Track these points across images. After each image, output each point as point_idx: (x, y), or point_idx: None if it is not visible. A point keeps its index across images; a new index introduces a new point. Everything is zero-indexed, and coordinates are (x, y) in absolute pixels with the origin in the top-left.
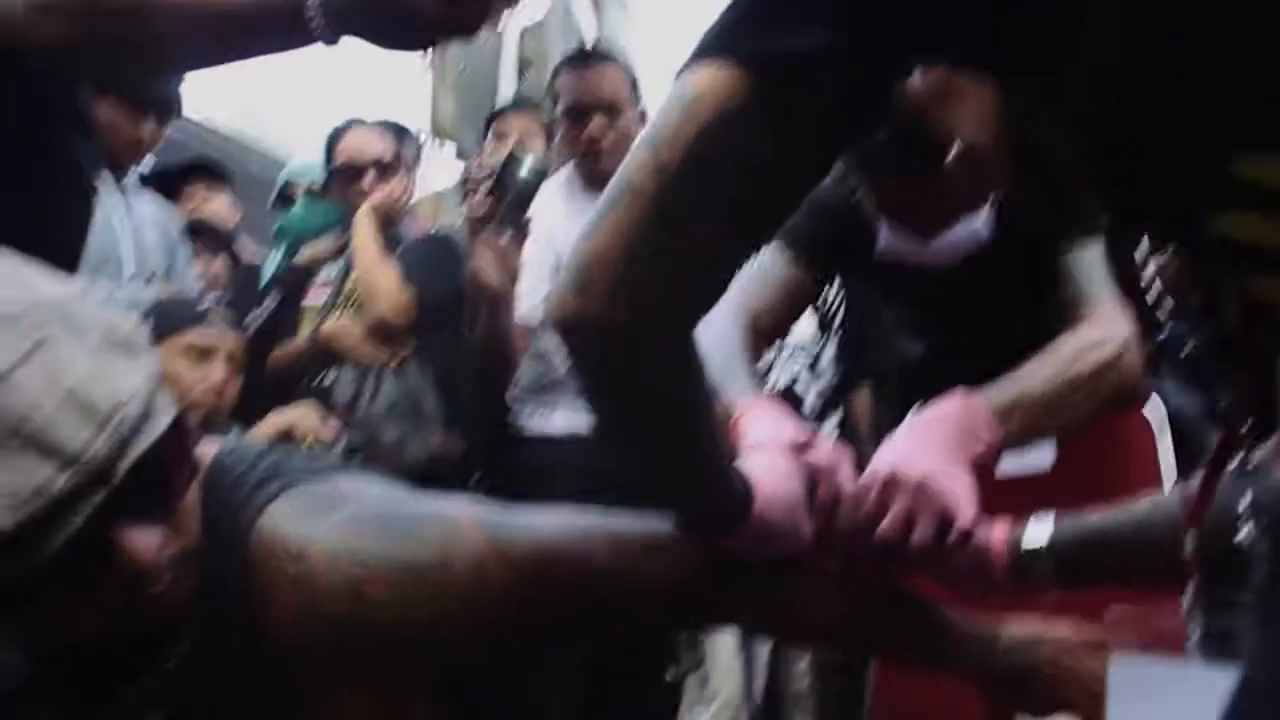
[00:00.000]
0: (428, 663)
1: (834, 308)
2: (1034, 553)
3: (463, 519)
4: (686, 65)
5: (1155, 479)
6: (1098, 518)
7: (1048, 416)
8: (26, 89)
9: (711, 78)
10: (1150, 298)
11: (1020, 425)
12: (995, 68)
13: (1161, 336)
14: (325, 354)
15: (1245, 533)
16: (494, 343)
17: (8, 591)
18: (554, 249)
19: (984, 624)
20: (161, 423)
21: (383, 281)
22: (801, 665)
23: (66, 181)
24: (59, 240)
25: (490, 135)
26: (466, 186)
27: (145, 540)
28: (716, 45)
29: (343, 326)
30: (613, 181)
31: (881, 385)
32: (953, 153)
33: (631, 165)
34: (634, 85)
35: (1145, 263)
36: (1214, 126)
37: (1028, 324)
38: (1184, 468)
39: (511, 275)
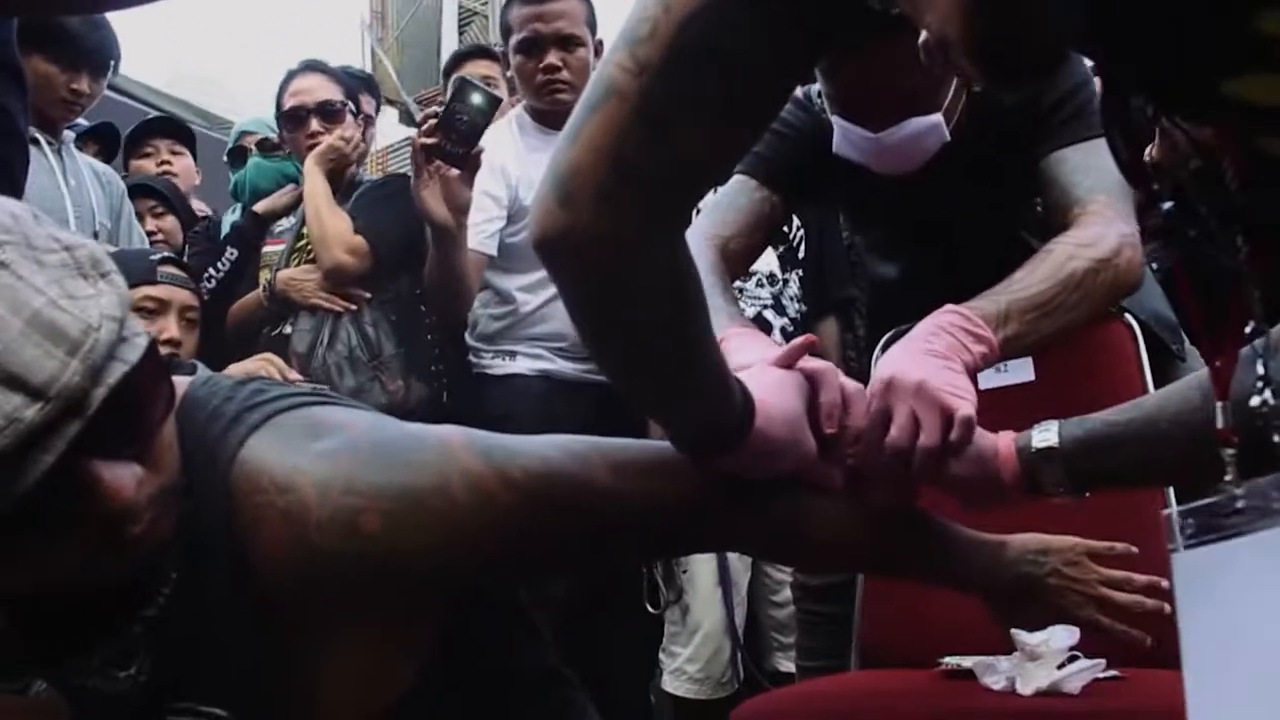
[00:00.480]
0: (426, 599)
1: (796, 242)
2: (1044, 454)
3: (456, 442)
4: None
5: (1140, 386)
6: (1104, 415)
7: (1045, 319)
8: None
9: None
10: (1149, 173)
11: (1017, 330)
12: None
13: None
14: (282, 304)
15: (1259, 401)
16: (445, 278)
17: None
18: (507, 185)
19: (990, 538)
20: (137, 348)
21: (332, 228)
22: (783, 594)
23: (3, 130)
24: None
25: (450, 81)
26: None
27: (123, 477)
28: None
29: (298, 275)
30: (590, 86)
31: (847, 316)
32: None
33: (609, 67)
34: (590, 14)
35: (1142, 136)
36: None
37: (1001, 237)
38: (1159, 378)
39: (460, 209)
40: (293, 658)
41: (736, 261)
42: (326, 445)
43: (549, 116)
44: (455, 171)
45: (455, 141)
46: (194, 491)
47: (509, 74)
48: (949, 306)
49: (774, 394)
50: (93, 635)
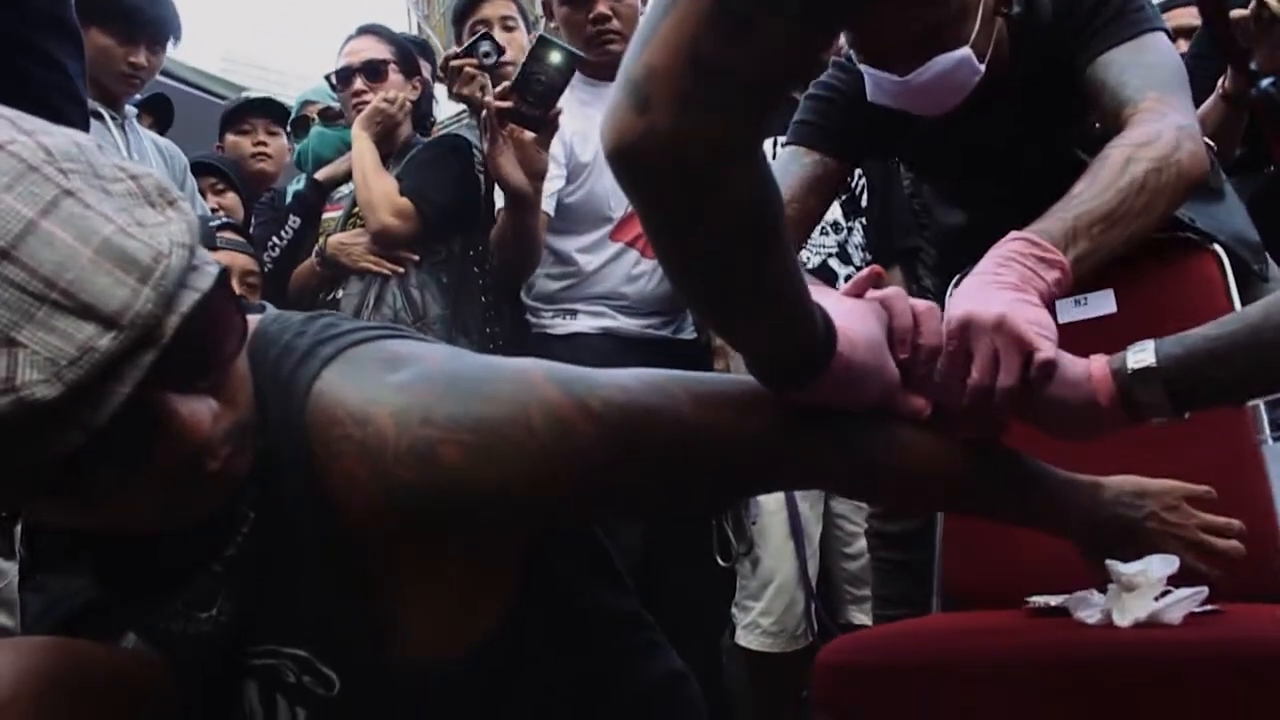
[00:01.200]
0: (507, 534)
1: (859, 190)
2: (1141, 374)
3: (535, 374)
4: None
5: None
6: (1202, 330)
7: (1114, 229)
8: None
9: None
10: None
11: (1087, 246)
12: None
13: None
14: (334, 268)
15: None
16: (520, 244)
17: (57, 477)
18: (562, 142)
19: (1085, 478)
20: (208, 275)
21: (378, 191)
22: (855, 545)
23: (63, 91)
24: None
25: (466, 29)
26: (448, 72)
27: (199, 411)
28: None
29: (347, 239)
30: None
31: (911, 267)
32: None
33: None
34: None
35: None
36: None
37: (1065, 164)
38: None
39: (538, 174)
40: (372, 596)
41: (795, 226)
42: (402, 377)
43: (600, 69)
44: (530, 135)
45: (532, 104)
46: (269, 428)
47: (553, 24)
48: (1014, 234)
49: (854, 320)
50: (174, 576)
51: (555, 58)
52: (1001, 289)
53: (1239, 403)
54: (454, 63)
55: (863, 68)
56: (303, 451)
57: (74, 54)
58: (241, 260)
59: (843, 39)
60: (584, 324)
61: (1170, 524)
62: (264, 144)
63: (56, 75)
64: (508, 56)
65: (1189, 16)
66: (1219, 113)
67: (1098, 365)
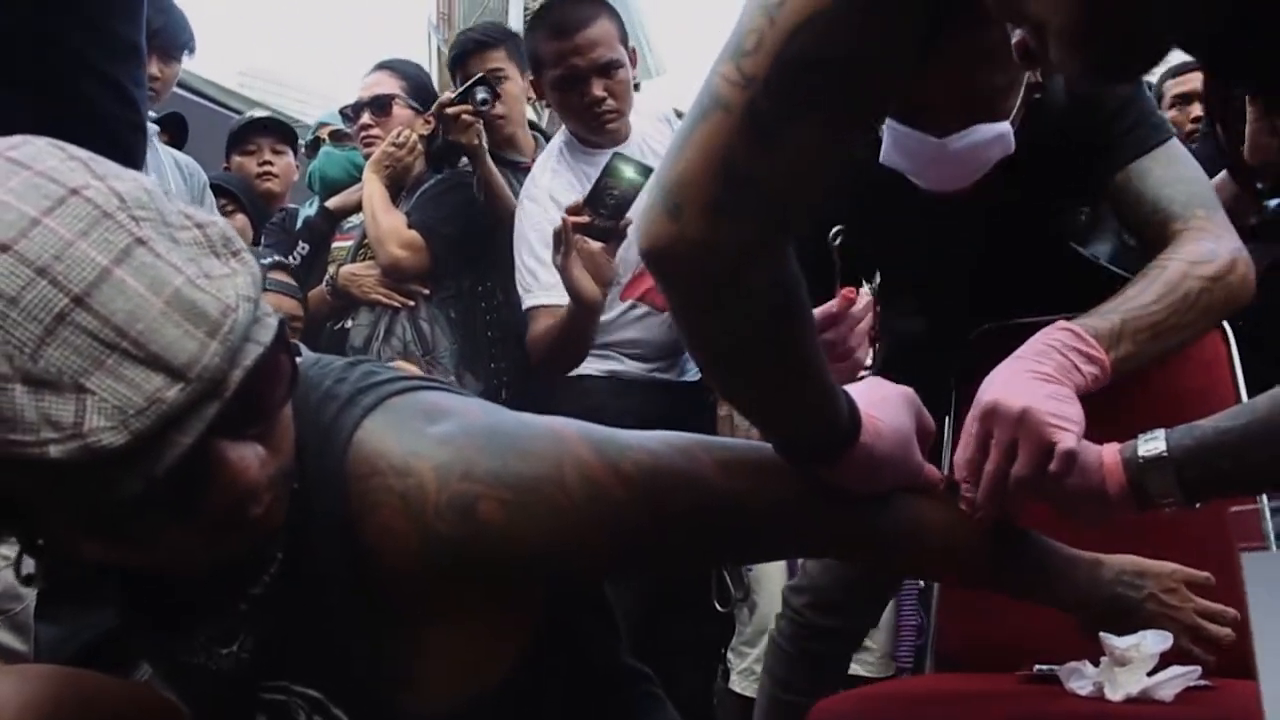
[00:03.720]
0: (531, 588)
1: None
2: (1153, 463)
3: (569, 434)
4: None
5: (1231, 387)
6: (1212, 421)
7: (1158, 339)
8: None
9: None
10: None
11: (1130, 350)
12: None
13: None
14: (344, 298)
15: None
16: (578, 342)
17: (110, 521)
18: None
19: (1087, 555)
20: (269, 328)
21: (387, 226)
22: None
23: (128, 122)
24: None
25: (459, 77)
26: (442, 119)
27: (248, 458)
28: None
29: (359, 270)
30: (696, 98)
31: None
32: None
33: (715, 79)
34: (621, 28)
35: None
36: None
37: (1052, 254)
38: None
39: (607, 283)
40: (393, 641)
41: None
42: (443, 430)
43: (600, 139)
44: (598, 245)
45: (604, 216)
46: (306, 472)
47: (544, 103)
48: (1061, 323)
49: (884, 410)
50: (200, 612)
51: (629, 172)
52: (1035, 379)
53: (1252, 492)
54: (449, 110)
55: (888, 123)
56: (340, 498)
57: (140, 80)
58: (288, 304)
59: None
60: (591, 367)
61: (1168, 606)
62: (270, 163)
63: (125, 108)
64: (500, 110)
65: (1197, 82)
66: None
67: (1109, 452)
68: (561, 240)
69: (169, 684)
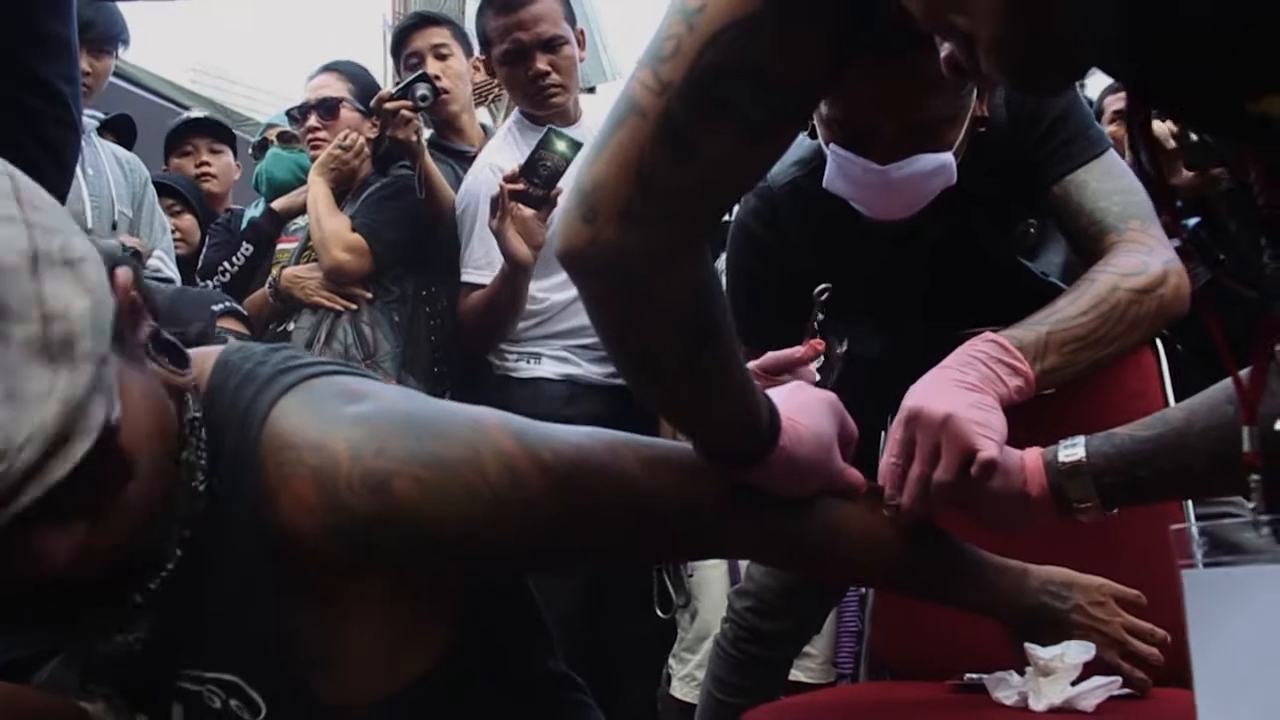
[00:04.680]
0: (447, 576)
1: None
2: (1072, 469)
3: (489, 421)
4: None
5: (1160, 395)
6: (1130, 430)
7: (1086, 351)
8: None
9: None
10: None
11: (1056, 362)
12: None
13: (1194, 226)
14: (287, 300)
15: None
16: (512, 304)
17: None
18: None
19: (1013, 564)
20: (87, 437)
21: (330, 229)
22: None
23: (60, 121)
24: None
25: (402, 61)
26: (381, 114)
27: (54, 547)
28: None
29: (301, 273)
30: (615, 102)
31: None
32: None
33: (633, 84)
34: (567, 7)
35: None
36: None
37: (1002, 270)
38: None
39: (538, 246)
40: (307, 622)
41: None
42: (361, 409)
43: (548, 117)
44: (531, 212)
45: (537, 185)
46: (224, 453)
47: (495, 82)
48: (987, 334)
49: (805, 415)
50: (89, 602)
51: (561, 145)
52: (959, 388)
53: (1168, 499)
54: (388, 105)
55: (831, 148)
56: (255, 474)
57: (71, 76)
58: None
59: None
60: (547, 369)
61: (1095, 619)
62: (207, 164)
63: (53, 105)
64: (444, 83)
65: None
66: None
67: (1031, 456)
68: (497, 205)
69: (81, 672)
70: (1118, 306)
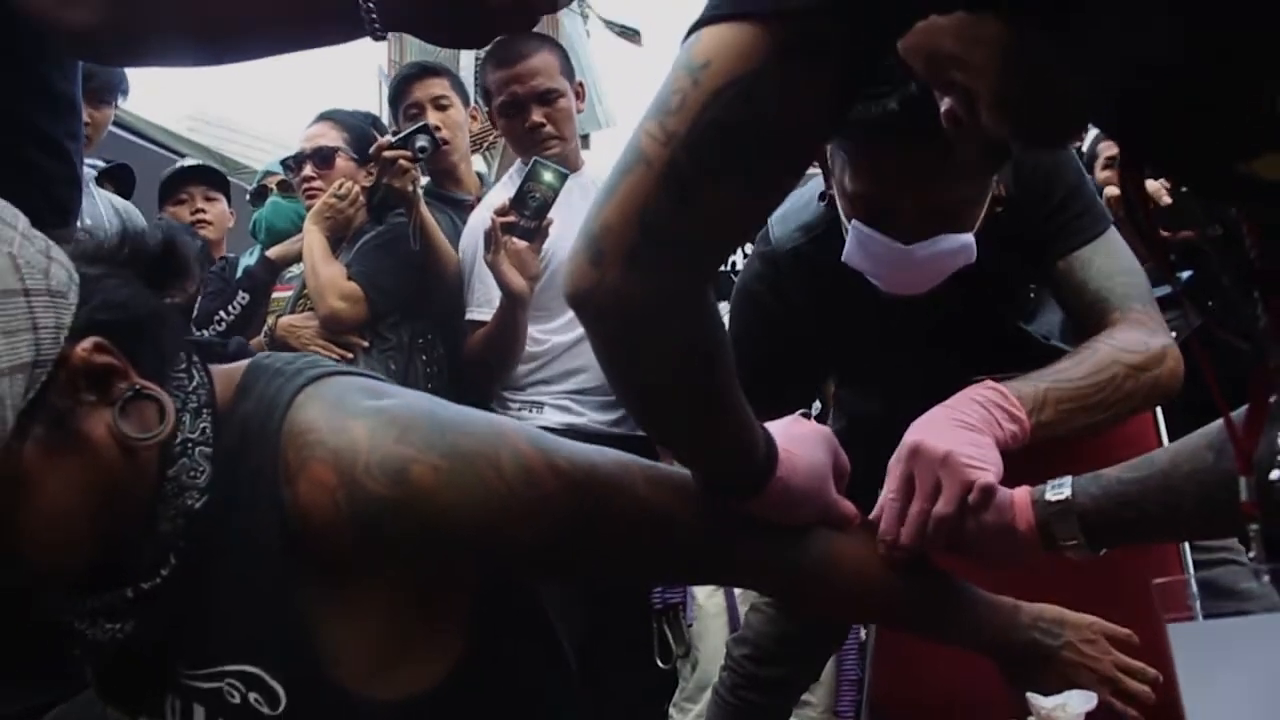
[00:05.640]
0: (460, 574)
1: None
2: (1058, 508)
3: (507, 425)
4: (691, 31)
5: (1154, 437)
6: (1116, 472)
7: (1080, 413)
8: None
9: (720, 40)
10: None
11: (1051, 418)
12: (1015, 8)
13: (1187, 278)
14: (282, 349)
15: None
16: (511, 338)
17: None
18: None
19: (1005, 600)
20: None
21: (326, 278)
22: None
23: (63, 179)
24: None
25: (401, 112)
26: (380, 161)
27: None
28: (726, 6)
29: (297, 322)
30: (622, 151)
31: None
32: (943, 107)
33: (640, 134)
34: (565, 60)
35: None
36: (1255, 68)
37: (1004, 337)
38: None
39: (534, 278)
40: (323, 613)
41: None
42: (383, 403)
43: None
44: (524, 244)
45: (528, 217)
46: (247, 441)
47: (491, 132)
48: (988, 381)
49: (801, 446)
50: (82, 591)
51: (548, 176)
52: (959, 427)
53: (1153, 541)
54: (387, 154)
55: (853, 223)
56: (274, 457)
57: (76, 133)
58: None
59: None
60: (550, 418)
61: (1086, 656)
62: (202, 211)
63: (60, 163)
64: (444, 134)
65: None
66: None
67: (1019, 495)
68: (490, 238)
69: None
70: (1115, 378)
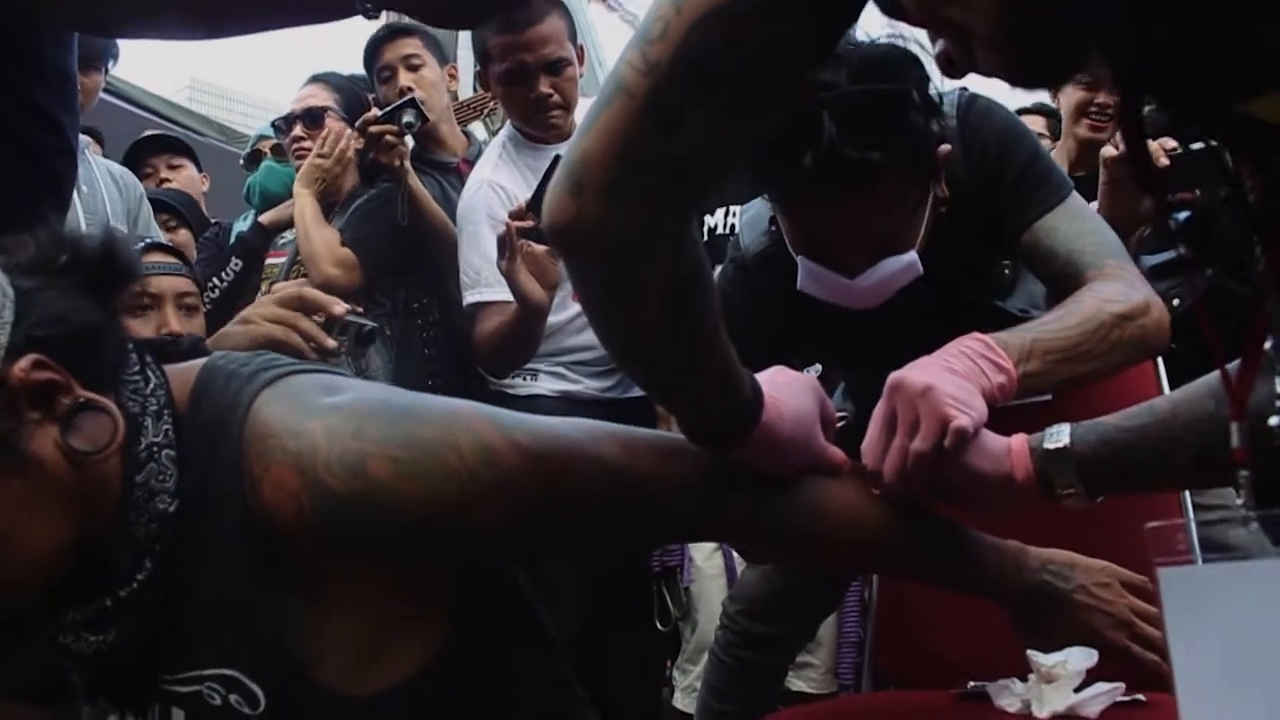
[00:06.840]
0: (430, 564)
1: None
2: (1056, 454)
3: (463, 407)
4: None
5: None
6: (1115, 419)
7: (1068, 364)
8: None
9: None
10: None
11: (1038, 368)
12: None
13: (1184, 219)
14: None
15: (1277, 421)
16: (526, 343)
17: None
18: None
19: (1011, 544)
20: None
21: (319, 244)
22: None
23: (58, 151)
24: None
25: (374, 75)
26: (366, 136)
27: None
28: None
29: (290, 288)
30: (605, 81)
31: None
32: (936, 50)
33: (622, 64)
34: (570, 25)
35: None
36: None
37: (981, 310)
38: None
39: (552, 285)
40: (297, 612)
41: None
42: (338, 399)
43: (546, 135)
44: (542, 248)
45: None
46: (211, 447)
47: (490, 98)
48: (974, 334)
49: (788, 394)
50: (61, 602)
51: None
52: (944, 370)
53: (1151, 490)
54: (373, 128)
55: (801, 258)
56: (237, 463)
57: (71, 105)
58: (175, 283)
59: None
60: (544, 386)
61: (1100, 599)
62: (168, 180)
63: (54, 136)
64: (419, 94)
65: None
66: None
67: (1017, 442)
68: (506, 245)
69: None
70: (1101, 327)
